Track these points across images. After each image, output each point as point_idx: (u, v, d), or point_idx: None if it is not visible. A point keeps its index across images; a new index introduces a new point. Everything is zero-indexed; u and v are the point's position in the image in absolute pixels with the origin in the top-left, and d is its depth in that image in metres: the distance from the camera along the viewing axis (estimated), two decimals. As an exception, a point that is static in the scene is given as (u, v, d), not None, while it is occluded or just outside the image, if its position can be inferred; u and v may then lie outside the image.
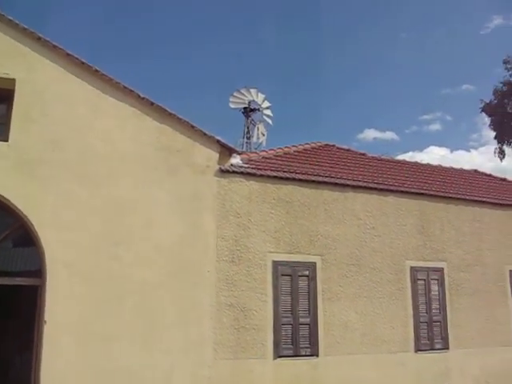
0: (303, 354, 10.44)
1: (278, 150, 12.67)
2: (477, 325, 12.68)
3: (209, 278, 9.84)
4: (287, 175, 11.00)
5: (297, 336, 10.40)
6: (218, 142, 10.36)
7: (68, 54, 9.42)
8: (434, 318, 12.08)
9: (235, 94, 28.30)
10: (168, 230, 9.67)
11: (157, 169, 9.82)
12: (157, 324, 9.24)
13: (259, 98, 28.57)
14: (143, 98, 9.86)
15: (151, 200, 9.66)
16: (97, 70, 9.58)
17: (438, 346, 12.03)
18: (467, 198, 13.46)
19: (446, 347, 12.13)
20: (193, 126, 10.17)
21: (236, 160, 10.76)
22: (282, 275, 10.46)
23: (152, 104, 9.91)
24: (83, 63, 9.50)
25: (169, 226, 9.69)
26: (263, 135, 28.01)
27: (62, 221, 8.92)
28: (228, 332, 9.82)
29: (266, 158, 11.72)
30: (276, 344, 10.17)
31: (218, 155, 10.33)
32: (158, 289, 9.36)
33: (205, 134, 10.23)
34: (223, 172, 10.33)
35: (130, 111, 9.82)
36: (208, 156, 10.23)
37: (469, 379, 12.27)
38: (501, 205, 13.96)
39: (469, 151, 73.53)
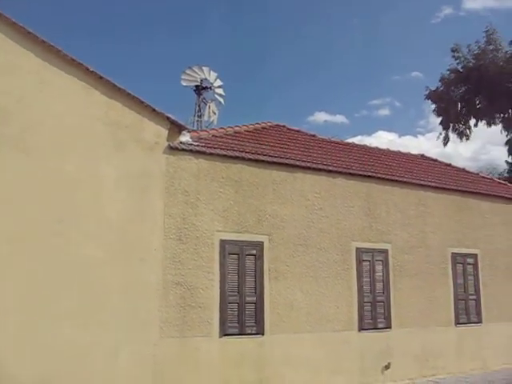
0: (249, 332, 10.50)
1: (228, 129, 12.59)
2: (418, 305, 13.03)
3: (155, 256, 9.76)
4: (237, 154, 10.96)
5: (243, 314, 10.46)
6: (168, 118, 10.23)
7: (14, 23, 9.07)
8: (378, 298, 12.34)
9: (187, 71, 27.97)
10: (115, 207, 9.52)
11: (104, 144, 9.64)
12: (102, 302, 9.13)
13: (211, 76, 28.31)
14: (92, 72, 9.60)
15: (98, 176, 9.48)
16: (44, 41, 9.26)
17: (380, 326, 12.31)
18: (413, 181, 13.73)
19: (388, 326, 12.42)
20: (142, 102, 10.00)
21: (185, 137, 10.64)
22: (230, 254, 10.47)
23: (101, 78, 9.68)
24: (29, 33, 9.16)
25: (115, 203, 9.54)
26: (214, 114, 27.82)
27: (6, 195, 8.66)
28: (174, 310, 9.79)
29: (216, 137, 11.64)
30: (222, 322, 10.20)
31: (167, 132, 10.21)
32: (104, 266, 9.23)
33: (154, 110, 10.08)
34: (172, 149, 10.21)
35: (78, 84, 9.56)
36: (157, 132, 10.10)
37: (410, 358, 12.61)
38: (445, 189, 14.30)
39: (416, 137, 75.13)
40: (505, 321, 14.74)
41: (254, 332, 10.56)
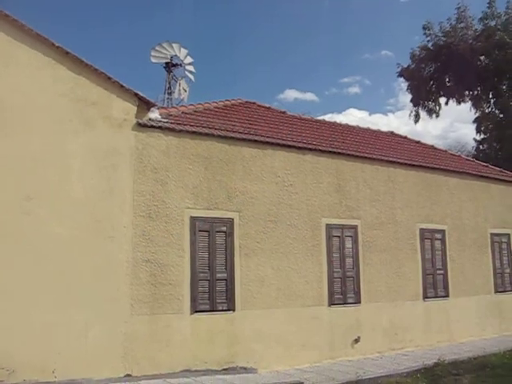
0: (220, 308, 10.55)
1: (197, 106, 12.52)
2: (387, 280, 13.23)
3: (125, 234, 9.73)
4: (206, 131, 10.91)
5: (214, 291, 10.50)
6: (136, 95, 10.13)
7: (-25, -3, 8.88)
8: (348, 274, 12.48)
9: (157, 47, 27.47)
10: (83, 185, 9.44)
11: (72, 121, 9.52)
12: (71, 280, 9.07)
13: (182, 52, 27.86)
14: (58, 47, 9.45)
15: (66, 153, 9.38)
16: (7, 15, 9.07)
17: (350, 301, 12.47)
18: (382, 158, 13.84)
19: (357, 301, 12.59)
20: (110, 78, 9.88)
21: (154, 114, 10.55)
22: (200, 231, 10.48)
23: (67, 53, 9.53)
24: (-8, 7, 8.98)
25: (84, 181, 9.46)
26: (185, 91, 27.43)
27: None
28: (145, 287, 9.79)
29: (186, 114, 11.55)
30: (193, 299, 10.23)
31: (135, 109, 10.11)
32: (73, 244, 9.18)
33: (122, 87, 9.97)
34: (141, 126, 10.13)
35: (44, 60, 9.41)
36: (125, 109, 10.00)
37: (379, 332, 12.83)
38: (414, 166, 14.46)
39: (386, 115, 75.82)
40: (471, 295, 15.08)
41: (224, 308, 10.61)
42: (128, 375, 9.35)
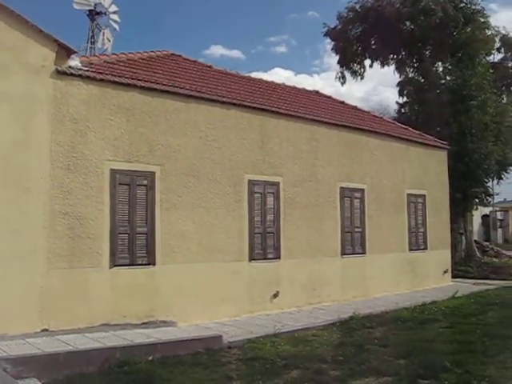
0: (140, 262, 10.49)
1: (121, 56, 12.11)
2: (307, 237, 13.50)
3: (42, 185, 9.41)
4: (129, 81, 10.60)
5: (133, 245, 10.40)
6: (56, 41, 9.68)
7: None
8: (268, 230, 12.64)
9: (80, -7, 26.45)
10: (-3, 133, 9.04)
11: (-16, 66, 9.05)
12: (-16, 232, 8.76)
13: (106, 0, 26.93)
14: (-32, -14, 8.90)
15: (-22, 100, 8.93)
16: None
17: (270, 256, 12.67)
18: (306, 116, 13.94)
19: (277, 257, 12.80)
20: (27, 22, 9.39)
21: (75, 62, 10.13)
22: (120, 184, 10.28)
23: (-22, -7, 8.99)
24: None
25: (-2, 129, 9.05)
26: (109, 41, 26.60)
27: None
28: (62, 241, 9.57)
29: (108, 63, 11.16)
30: (112, 253, 10.10)
31: (54, 55, 9.68)
32: (-15, 195, 8.83)
33: (41, 31, 9.50)
34: (60, 74, 9.72)
35: (-49, -1, 8.86)
36: (44, 55, 9.56)
37: (297, 287, 13.13)
38: (337, 125, 14.66)
39: (311, 76, 76.36)
40: (386, 252, 15.66)
41: (144, 262, 10.55)
42: (45, 330, 9.18)
